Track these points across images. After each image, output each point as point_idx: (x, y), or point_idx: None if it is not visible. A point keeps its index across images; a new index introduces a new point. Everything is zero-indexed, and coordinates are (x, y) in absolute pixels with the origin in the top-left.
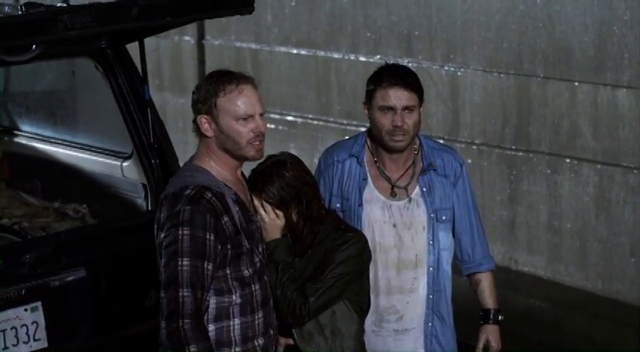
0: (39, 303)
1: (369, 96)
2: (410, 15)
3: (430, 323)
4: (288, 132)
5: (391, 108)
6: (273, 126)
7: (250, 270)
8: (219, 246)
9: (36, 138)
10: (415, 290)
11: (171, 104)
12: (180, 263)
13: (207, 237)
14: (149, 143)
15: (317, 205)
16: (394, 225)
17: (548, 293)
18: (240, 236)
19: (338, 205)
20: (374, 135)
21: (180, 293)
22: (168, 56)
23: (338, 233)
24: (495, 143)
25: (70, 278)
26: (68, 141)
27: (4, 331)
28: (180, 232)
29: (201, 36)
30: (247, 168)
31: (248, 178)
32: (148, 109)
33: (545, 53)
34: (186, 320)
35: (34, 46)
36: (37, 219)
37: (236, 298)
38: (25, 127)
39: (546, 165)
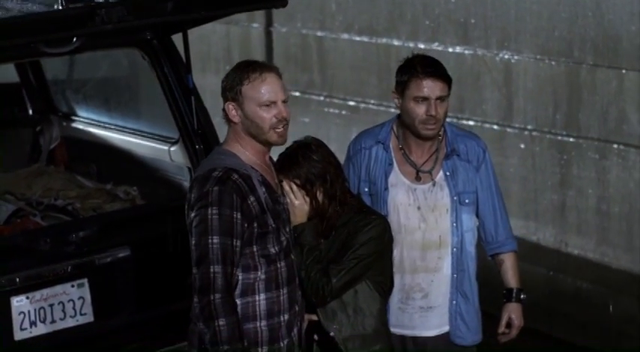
0: (85, 280)
1: (403, 86)
2: (466, 3)
3: (454, 302)
4: (350, 117)
5: (425, 99)
6: (336, 110)
7: (276, 248)
8: (246, 225)
9: (92, 123)
10: (439, 270)
11: None
12: (210, 240)
13: (235, 215)
14: (193, 129)
15: (341, 185)
16: (418, 208)
17: (596, 275)
18: (266, 215)
19: (366, 189)
20: (405, 123)
21: (212, 269)
22: (238, 43)
23: (360, 216)
24: (547, 129)
25: (115, 256)
26: (121, 127)
27: (52, 305)
28: (209, 211)
29: (269, 23)
30: (276, 154)
31: (276, 161)
32: (192, 97)
33: (595, 41)
34: (217, 295)
35: (74, 39)
36: (89, 200)
37: (261, 274)
38: (82, 113)
39: (595, 151)
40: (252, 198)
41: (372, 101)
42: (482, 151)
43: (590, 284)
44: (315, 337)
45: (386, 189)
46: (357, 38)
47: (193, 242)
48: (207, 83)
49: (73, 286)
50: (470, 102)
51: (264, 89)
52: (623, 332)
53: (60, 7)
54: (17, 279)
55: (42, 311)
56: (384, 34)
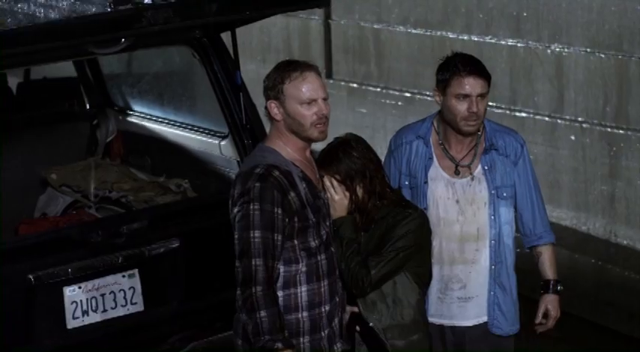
0: (136, 270)
1: (444, 84)
2: None
3: (492, 292)
4: (406, 108)
5: (467, 96)
6: (393, 102)
7: (317, 241)
8: (287, 219)
9: (146, 117)
10: (477, 262)
11: None
12: (252, 235)
13: (276, 210)
14: (242, 124)
15: (380, 180)
16: (457, 201)
17: None
18: (306, 210)
19: (406, 183)
20: (446, 120)
21: (254, 263)
22: (297, 34)
23: (399, 209)
24: (597, 120)
25: (165, 248)
26: (174, 121)
27: (103, 295)
28: (251, 207)
29: (327, 15)
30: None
31: (317, 157)
32: (240, 93)
33: None
34: (258, 287)
35: (122, 40)
36: (142, 193)
37: (302, 266)
38: (137, 107)
39: None
40: (292, 194)
41: (428, 92)
42: (520, 146)
43: (638, 275)
44: (357, 328)
45: (425, 182)
46: (413, 31)
47: (236, 236)
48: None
49: (124, 276)
50: (522, 94)
51: (305, 87)
52: None
53: (108, 9)
54: (69, 270)
55: (94, 300)
56: (439, 27)
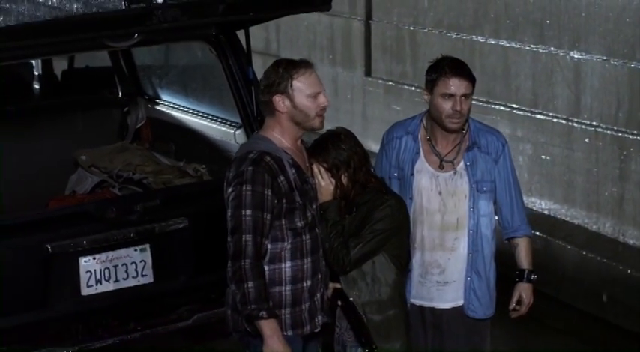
0: (147, 245)
1: (432, 84)
2: (543, 5)
3: (469, 278)
4: None
5: (452, 95)
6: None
7: (302, 222)
8: (276, 201)
9: (172, 106)
10: (456, 249)
11: (342, 77)
12: (243, 213)
13: (266, 192)
14: (253, 116)
15: (364, 171)
16: (440, 193)
17: None
18: (294, 193)
19: (395, 174)
20: (433, 117)
21: (244, 238)
22: (340, 33)
23: (379, 195)
24: (609, 125)
25: (175, 226)
26: (196, 111)
27: (116, 266)
28: (244, 188)
29: (368, 16)
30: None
31: (309, 146)
32: (252, 87)
33: None
34: (247, 261)
35: (135, 35)
36: (162, 176)
37: (287, 244)
38: (165, 97)
39: None
40: (281, 178)
41: None
42: (502, 145)
43: None
44: (339, 303)
45: (412, 174)
46: (446, 34)
47: (229, 214)
48: None
49: (136, 250)
50: (542, 98)
51: (310, 82)
52: None
53: (122, 7)
54: (85, 242)
55: (107, 271)
56: (470, 31)
